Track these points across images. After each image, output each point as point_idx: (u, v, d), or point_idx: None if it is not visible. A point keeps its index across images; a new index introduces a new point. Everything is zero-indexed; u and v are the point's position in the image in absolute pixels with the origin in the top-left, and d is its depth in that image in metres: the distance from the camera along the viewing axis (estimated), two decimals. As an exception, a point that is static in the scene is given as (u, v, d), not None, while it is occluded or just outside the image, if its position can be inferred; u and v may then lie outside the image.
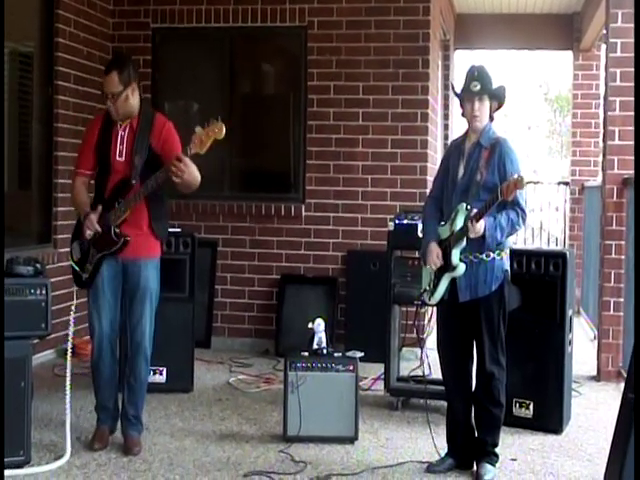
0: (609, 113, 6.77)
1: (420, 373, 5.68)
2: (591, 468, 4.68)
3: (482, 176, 4.39)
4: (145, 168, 4.62)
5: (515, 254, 5.05)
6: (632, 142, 6.25)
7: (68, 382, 4.75)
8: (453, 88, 4.79)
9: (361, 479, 4.48)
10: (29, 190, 6.98)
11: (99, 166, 4.79)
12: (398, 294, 5.73)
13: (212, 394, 6.04)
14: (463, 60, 10.47)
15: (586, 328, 8.83)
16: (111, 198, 4.67)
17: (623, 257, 6.63)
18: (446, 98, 9.48)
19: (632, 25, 6.37)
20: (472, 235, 4.30)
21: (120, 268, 4.72)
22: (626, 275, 6.57)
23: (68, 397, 4.74)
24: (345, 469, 4.58)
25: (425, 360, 5.63)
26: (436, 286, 4.48)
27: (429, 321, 5.93)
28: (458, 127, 8.50)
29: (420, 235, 5.01)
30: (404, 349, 6.04)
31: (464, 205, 4.35)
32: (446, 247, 4.43)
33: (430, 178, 6.94)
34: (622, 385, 4.87)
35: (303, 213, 7.49)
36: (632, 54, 6.23)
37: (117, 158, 4.69)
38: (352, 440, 4.98)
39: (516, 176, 4.16)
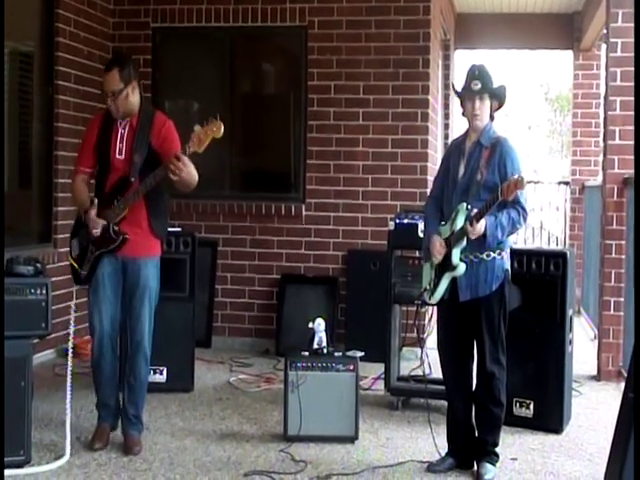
0: (609, 113, 6.77)
1: (420, 373, 5.68)
2: (591, 468, 4.67)
3: (482, 175, 4.39)
4: (144, 166, 4.62)
5: (515, 254, 5.05)
6: (632, 142, 6.24)
7: (69, 382, 4.75)
8: (454, 87, 4.79)
9: (361, 479, 4.48)
10: (29, 190, 6.98)
11: (99, 164, 4.79)
12: (398, 294, 5.73)
13: (212, 394, 6.04)
14: (463, 60, 10.46)
15: (586, 328, 8.83)
16: (110, 196, 4.67)
17: (623, 257, 6.63)
18: (446, 98, 9.48)
19: (632, 25, 6.37)
20: (472, 237, 4.30)
21: (120, 266, 4.72)
22: (626, 275, 6.56)
23: (69, 397, 4.75)
24: (345, 469, 4.58)
25: (425, 360, 5.64)
26: (436, 285, 4.48)
27: (429, 321, 5.93)
28: (458, 127, 8.50)
29: (421, 235, 5.01)
30: (404, 349, 6.04)
31: (464, 205, 4.35)
32: (447, 246, 4.42)
33: (430, 178, 6.94)
34: (622, 385, 4.88)
35: (303, 213, 7.49)
36: (632, 54, 6.22)
37: (117, 156, 4.70)
38: (352, 440, 4.98)
39: (516, 176, 4.15)
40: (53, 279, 4.72)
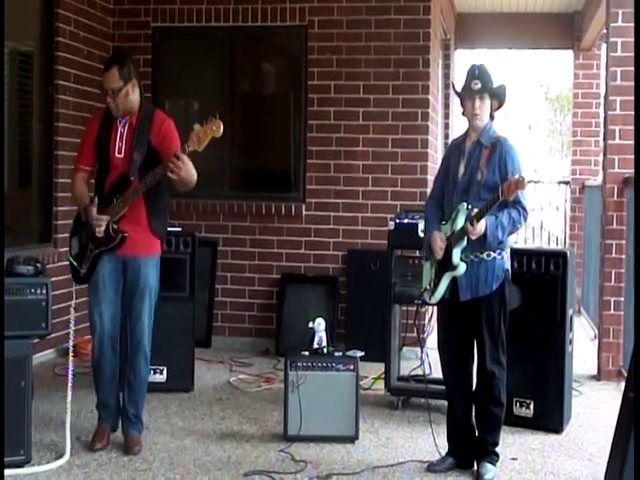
0: (609, 112, 6.77)
1: (421, 372, 5.68)
2: (592, 467, 4.67)
3: (483, 175, 4.39)
4: (144, 165, 4.61)
5: (516, 253, 5.05)
6: (632, 141, 6.24)
7: (70, 381, 4.75)
8: (454, 87, 4.79)
9: (362, 478, 4.48)
10: (29, 189, 6.97)
11: (99, 163, 4.79)
12: (398, 293, 5.73)
13: (212, 393, 6.03)
14: (464, 59, 10.46)
15: (586, 327, 8.82)
16: (110, 194, 4.66)
17: (623, 256, 6.63)
18: (447, 97, 9.48)
19: (632, 24, 6.37)
20: (473, 237, 4.29)
21: (120, 265, 4.72)
22: (626, 274, 6.56)
23: (69, 396, 4.75)
24: (346, 468, 4.58)
25: (425, 359, 5.64)
26: (437, 285, 4.48)
27: (429, 320, 5.93)
28: (459, 126, 8.49)
29: (421, 234, 5.01)
30: (404, 348, 6.04)
31: (465, 204, 4.35)
32: (447, 246, 4.42)
33: (431, 177, 6.93)
34: (622, 384, 4.87)
35: (303, 212, 7.49)
36: (632, 53, 6.23)
37: (116, 154, 4.69)
38: (353, 439, 4.98)
39: (517, 176, 4.15)
40: (53, 279, 4.72)
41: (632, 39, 6.35)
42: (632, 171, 6.44)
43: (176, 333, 5.93)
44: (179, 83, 7.93)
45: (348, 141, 7.40)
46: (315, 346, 5.10)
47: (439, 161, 5.20)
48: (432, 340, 5.24)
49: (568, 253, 5.39)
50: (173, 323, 5.88)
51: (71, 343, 4.85)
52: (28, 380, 4.40)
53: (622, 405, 3.62)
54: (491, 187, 4.33)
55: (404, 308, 6.00)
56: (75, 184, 4.82)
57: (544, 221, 12.46)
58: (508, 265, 4.49)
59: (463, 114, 4.57)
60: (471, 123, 4.51)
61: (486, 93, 4.44)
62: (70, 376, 4.78)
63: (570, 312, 5.38)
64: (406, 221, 5.72)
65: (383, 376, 5.94)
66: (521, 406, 5.34)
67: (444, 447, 4.68)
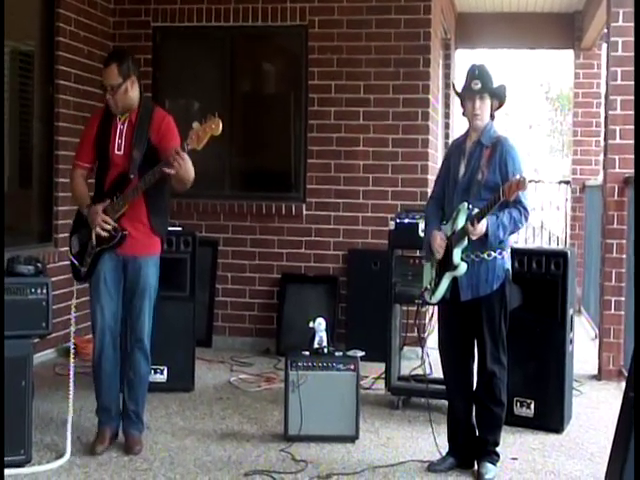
0: (610, 112, 6.77)
1: (421, 372, 5.69)
2: (592, 467, 4.67)
3: (483, 175, 4.39)
4: (143, 163, 4.60)
5: (516, 253, 5.05)
6: (633, 141, 6.24)
7: (71, 380, 4.75)
8: (454, 87, 4.79)
9: (362, 478, 4.48)
10: (30, 189, 6.98)
11: (98, 160, 4.78)
12: (399, 293, 5.73)
13: (213, 393, 6.03)
14: (464, 59, 10.46)
15: (587, 327, 8.82)
16: (110, 192, 4.66)
17: (624, 256, 6.63)
18: (447, 97, 9.48)
19: (633, 24, 6.37)
20: (474, 237, 4.29)
21: (120, 264, 4.71)
22: (627, 274, 6.56)
23: (71, 395, 4.75)
24: (346, 468, 4.58)
25: (426, 359, 5.64)
26: (437, 285, 4.47)
27: (430, 320, 5.93)
28: (459, 126, 8.49)
29: (421, 234, 5.01)
30: (405, 348, 6.04)
31: (465, 204, 4.35)
32: (448, 246, 4.42)
33: (431, 177, 6.94)
34: (623, 384, 4.88)
35: (304, 212, 7.49)
36: (633, 53, 6.23)
37: (116, 152, 4.68)
38: (353, 439, 4.98)
39: (518, 177, 4.14)
40: (53, 278, 4.73)
41: (632, 39, 6.35)
42: (632, 171, 6.44)
43: (177, 333, 5.92)
44: (179, 83, 7.93)
45: (348, 141, 7.40)
46: (315, 346, 5.10)
47: (439, 161, 5.21)
48: (433, 340, 5.24)
49: (569, 253, 5.39)
50: (174, 323, 5.88)
51: (72, 343, 4.84)
52: (28, 380, 4.41)
53: (623, 405, 3.62)
54: (492, 187, 4.33)
55: (405, 308, 6.00)
56: (74, 182, 4.82)
57: (545, 221, 12.46)
58: (509, 265, 4.49)
59: (463, 114, 4.57)
60: (471, 123, 4.51)
61: (486, 93, 4.44)
62: (71, 376, 4.78)
63: (571, 312, 5.38)
64: (407, 221, 5.72)
65: (383, 376, 5.94)
66: (522, 406, 5.34)
67: (444, 447, 4.68)
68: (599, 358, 6.78)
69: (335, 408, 4.96)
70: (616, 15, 6.73)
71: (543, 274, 5.36)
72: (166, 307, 5.45)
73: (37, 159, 6.91)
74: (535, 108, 27.41)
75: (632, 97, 6.38)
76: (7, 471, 4.15)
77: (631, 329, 6.09)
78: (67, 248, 4.95)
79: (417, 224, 5.56)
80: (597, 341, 7.17)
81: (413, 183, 7.29)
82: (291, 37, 7.62)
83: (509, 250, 4.52)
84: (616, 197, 6.67)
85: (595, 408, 5.87)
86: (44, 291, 4.42)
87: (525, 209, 4.35)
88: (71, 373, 4.78)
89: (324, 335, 5.14)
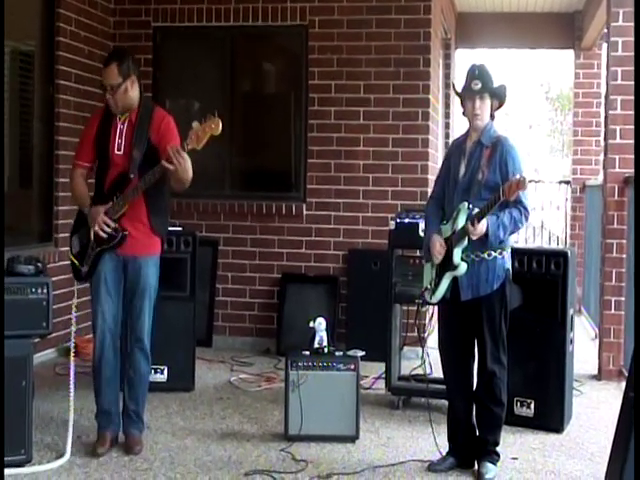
0: (610, 112, 6.77)
1: (421, 372, 5.68)
2: (592, 467, 4.67)
3: (484, 175, 4.39)
4: (143, 162, 4.60)
5: (516, 253, 5.05)
6: (633, 141, 6.24)
7: (72, 380, 4.75)
8: (454, 87, 4.79)
9: (362, 478, 4.48)
10: (30, 189, 6.98)
11: (98, 160, 4.78)
12: (399, 293, 5.73)
13: (213, 393, 6.04)
14: (464, 59, 10.47)
15: (587, 327, 8.82)
16: (110, 192, 4.66)
17: (624, 256, 6.63)
18: (447, 97, 9.47)
19: (633, 24, 6.37)
20: (474, 237, 4.29)
21: (121, 264, 4.71)
22: (627, 274, 6.56)
23: (72, 395, 4.74)
24: (346, 468, 4.58)
25: (426, 359, 5.64)
26: (437, 285, 4.47)
27: (430, 320, 5.93)
28: (459, 126, 8.49)
29: (421, 234, 5.00)
30: (405, 348, 6.04)
31: (466, 204, 4.35)
32: (448, 246, 4.42)
33: (431, 177, 6.93)
34: (623, 384, 4.87)
35: (304, 212, 7.49)
36: (633, 53, 6.23)
37: (116, 152, 4.68)
38: (353, 439, 4.98)
39: (518, 176, 4.14)
40: (54, 278, 4.73)
41: (633, 39, 6.35)
42: (632, 171, 6.44)
43: (177, 333, 5.93)
44: (180, 83, 7.93)
45: (349, 141, 7.40)
46: (316, 346, 5.10)
47: (440, 161, 5.21)
48: (433, 340, 5.24)
49: (569, 252, 5.39)
50: (174, 323, 5.88)
51: (72, 343, 4.84)
52: (29, 380, 4.41)
53: (623, 405, 3.62)
54: (492, 187, 4.33)
55: (405, 308, 6.00)
56: (74, 182, 4.82)
57: (545, 221, 12.46)
58: (509, 265, 4.49)
59: (464, 114, 4.57)
60: (472, 123, 4.51)
61: (486, 93, 4.44)
62: (72, 375, 4.78)
63: (571, 312, 5.38)
64: (407, 221, 5.72)
65: (384, 376, 5.94)
66: (522, 406, 5.34)
67: (445, 447, 4.68)
68: (599, 358, 6.78)
69: (335, 408, 4.96)
70: (616, 15, 6.73)
71: (543, 274, 5.36)
72: (166, 307, 5.45)
73: (37, 159, 6.91)
74: (535, 108, 27.41)
75: (632, 97, 6.38)
76: (7, 471, 4.15)
77: (631, 329, 6.09)
78: (67, 248, 4.95)
79: (417, 224, 5.55)
80: (597, 341, 7.17)
81: (413, 183, 7.29)
82: (291, 37, 7.62)
83: (509, 250, 4.52)
84: (616, 197, 6.67)
85: (595, 408, 5.87)
86: (44, 291, 4.42)
87: (525, 209, 4.35)
88: (71, 373, 4.78)
89: (324, 335, 5.14)
